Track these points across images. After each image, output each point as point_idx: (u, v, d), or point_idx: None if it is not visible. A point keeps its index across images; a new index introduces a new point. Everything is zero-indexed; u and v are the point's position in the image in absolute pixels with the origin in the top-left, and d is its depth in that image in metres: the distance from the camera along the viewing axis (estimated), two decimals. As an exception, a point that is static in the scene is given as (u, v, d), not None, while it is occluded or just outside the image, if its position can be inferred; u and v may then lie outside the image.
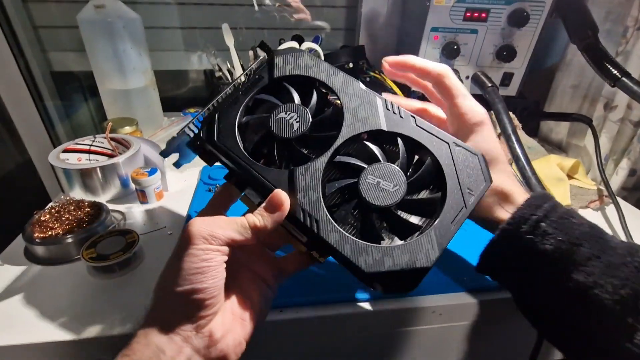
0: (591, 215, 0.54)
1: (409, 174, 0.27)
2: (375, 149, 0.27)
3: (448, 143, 0.27)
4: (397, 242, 0.26)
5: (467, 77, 0.64)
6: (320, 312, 0.34)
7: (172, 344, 0.23)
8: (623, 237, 0.48)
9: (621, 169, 0.59)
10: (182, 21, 0.85)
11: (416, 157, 0.29)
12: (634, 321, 0.23)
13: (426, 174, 0.27)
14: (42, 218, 0.40)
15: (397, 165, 0.26)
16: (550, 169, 0.57)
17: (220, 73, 0.69)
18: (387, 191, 0.25)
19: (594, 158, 0.63)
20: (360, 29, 0.87)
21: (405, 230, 0.27)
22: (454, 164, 0.27)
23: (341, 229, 0.25)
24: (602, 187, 0.57)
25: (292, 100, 0.29)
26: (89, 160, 0.56)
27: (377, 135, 0.28)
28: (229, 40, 0.64)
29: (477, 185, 0.26)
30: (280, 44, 0.64)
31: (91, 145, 0.56)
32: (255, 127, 0.30)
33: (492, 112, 0.62)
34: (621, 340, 0.23)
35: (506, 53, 0.61)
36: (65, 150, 0.53)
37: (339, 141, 0.27)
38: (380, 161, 0.27)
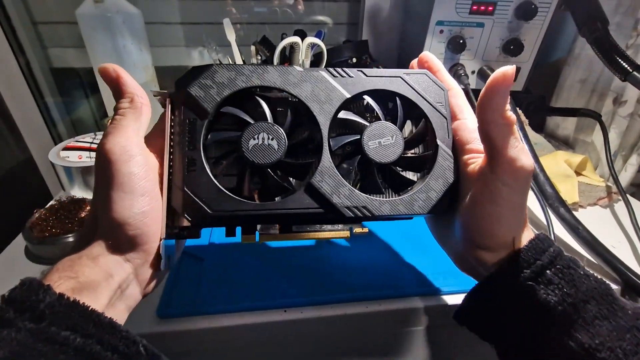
0: (599, 213, 0.53)
1: (398, 125, 0.28)
2: (355, 117, 0.28)
3: (400, 76, 0.28)
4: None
5: (473, 72, 0.63)
6: (324, 312, 0.34)
7: (122, 270, 0.23)
8: (633, 235, 0.47)
9: (630, 165, 0.58)
10: (182, 16, 0.84)
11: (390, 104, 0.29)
12: None
13: (403, 114, 0.28)
14: (42, 217, 0.40)
15: (383, 120, 0.27)
16: (558, 166, 0.56)
17: (222, 69, 0.68)
18: (387, 147, 0.27)
19: (602, 154, 0.62)
20: (364, 23, 0.85)
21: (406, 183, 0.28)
22: (415, 90, 0.28)
23: (388, 199, 0.26)
24: (611, 184, 0.56)
25: (247, 123, 0.25)
26: (90, 158, 0.55)
27: (346, 104, 0.27)
28: (230, 35, 0.63)
29: (440, 96, 0.28)
30: (282, 38, 0.62)
31: (92, 142, 0.55)
32: (231, 169, 0.27)
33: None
34: None
35: (513, 47, 0.59)
36: (66, 148, 0.52)
37: (324, 132, 0.26)
38: (367, 126, 0.27)
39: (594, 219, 0.49)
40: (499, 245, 0.25)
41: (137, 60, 0.64)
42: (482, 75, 0.61)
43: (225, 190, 0.24)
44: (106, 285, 0.22)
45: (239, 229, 0.27)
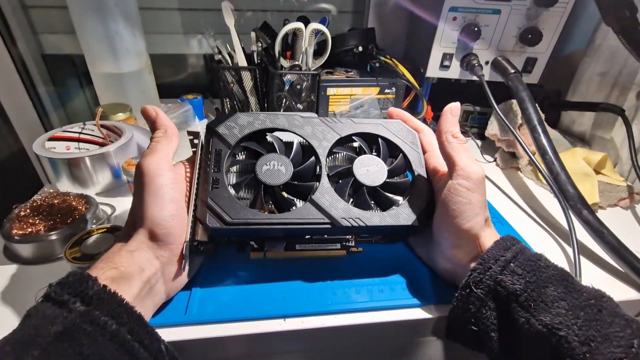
0: (620, 214, 0.50)
1: (381, 157, 0.35)
2: (346, 151, 0.35)
3: (380, 124, 0.36)
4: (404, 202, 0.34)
5: (487, 63, 0.59)
6: (326, 322, 0.31)
7: (152, 266, 0.27)
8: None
9: (653, 163, 0.55)
10: (180, 2, 0.80)
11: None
12: None
13: (387, 152, 0.35)
14: (22, 213, 0.37)
15: (370, 154, 0.35)
16: (577, 163, 0.53)
17: (220, 56, 0.64)
18: (374, 174, 0.33)
19: (622, 151, 0.58)
20: (370, 11, 0.81)
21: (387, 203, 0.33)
22: (394, 134, 0.36)
23: (377, 213, 0.31)
24: (632, 184, 0.53)
25: (261, 154, 0.32)
26: (79, 149, 0.52)
27: (338, 142, 0.34)
28: (229, 20, 0.60)
29: (413, 138, 0.36)
30: (284, 24, 0.59)
31: (80, 132, 0.52)
32: (248, 192, 0.32)
33: (513, 101, 0.58)
34: None
35: (531, 36, 0.56)
36: (52, 138, 0.49)
37: (323, 161, 0.32)
38: (360, 155, 0.34)
39: (615, 221, 0.46)
40: (466, 239, 0.30)
41: (130, 46, 0.60)
42: (497, 66, 0.57)
43: (241, 204, 0.29)
44: (139, 277, 0.26)
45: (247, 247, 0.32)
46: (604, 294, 0.27)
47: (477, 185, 0.30)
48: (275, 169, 0.31)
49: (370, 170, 0.33)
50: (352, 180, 0.33)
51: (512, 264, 0.28)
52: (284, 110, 0.64)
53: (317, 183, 0.32)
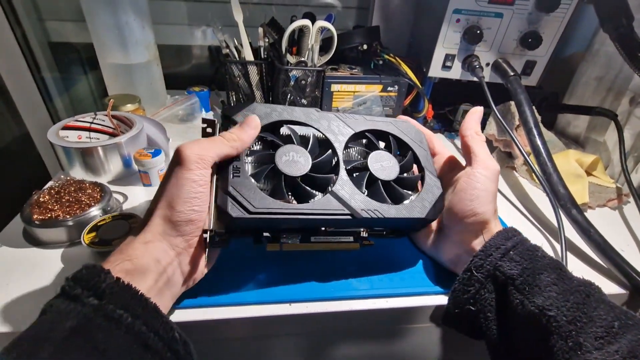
0: (608, 214, 0.52)
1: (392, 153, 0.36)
2: (360, 147, 0.37)
3: (391, 122, 0.38)
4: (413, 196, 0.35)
5: (488, 64, 0.61)
6: (329, 308, 0.33)
7: (167, 256, 0.27)
8: (643, 239, 0.46)
9: (641, 167, 0.57)
10: (187, -7, 0.81)
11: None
12: (584, 340, 0.26)
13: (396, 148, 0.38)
14: (42, 199, 0.39)
15: (383, 150, 0.36)
16: (569, 165, 0.55)
17: (227, 50, 0.65)
18: (388, 169, 0.35)
19: (614, 154, 0.61)
20: (374, 8, 0.82)
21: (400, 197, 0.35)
22: (404, 133, 0.38)
23: (393, 206, 0.33)
24: (621, 186, 0.55)
25: (279, 145, 0.32)
26: (90, 138, 0.53)
27: (352, 137, 0.35)
28: (238, 15, 0.61)
29: (421, 137, 0.39)
30: (292, 21, 0.60)
31: (92, 122, 0.53)
32: (267, 183, 0.32)
33: (511, 102, 0.60)
34: (573, 356, 0.26)
35: (531, 40, 0.57)
36: (65, 127, 0.50)
37: (340, 154, 0.33)
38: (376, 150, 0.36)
39: (603, 221, 0.49)
40: (478, 223, 0.33)
41: (139, 37, 0.61)
42: (497, 68, 0.59)
43: (262, 192, 0.29)
44: (154, 268, 0.26)
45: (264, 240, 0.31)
46: (592, 283, 0.30)
47: (494, 176, 0.34)
48: (295, 160, 0.31)
49: (384, 165, 0.35)
50: (368, 175, 0.34)
51: (511, 252, 0.31)
52: (288, 104, 0.66)
53: (335, 176, 0.32)
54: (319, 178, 0.32)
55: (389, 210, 0.32)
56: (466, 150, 0.36)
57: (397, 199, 0.34)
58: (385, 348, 0.39)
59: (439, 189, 0.35)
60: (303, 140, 0.34)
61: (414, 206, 0.33)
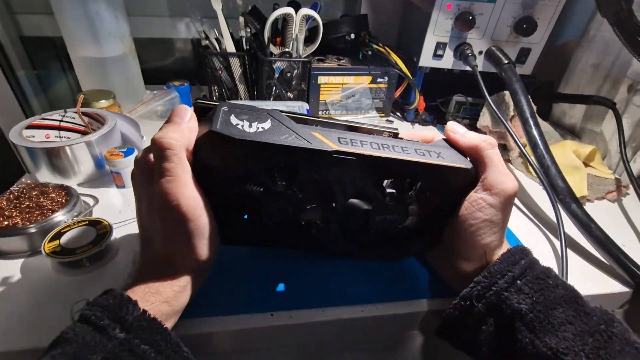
0: (607, 207, 0.50)
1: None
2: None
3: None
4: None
5: (481, 53, 0.58)
6: (314, 317, 0.31)
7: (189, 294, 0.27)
8: (645, 232, 0.44)
9: (640, 157, 0.55)
10: (166, -17, 0.77)
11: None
12: None
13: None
14: (-1, 205, 0.35)
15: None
16: (566, 156, 0.53)
17: (207, 42, 0.62)
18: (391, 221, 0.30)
19: (611, 145, 0.59)
20: (363, -4, 0.79)
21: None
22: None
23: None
24: (620, 177, 0.53)
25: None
26: (59, 137, 0.50)
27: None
28: (216, 4, 0.57)
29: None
30: (274, 9, 0.57)
31: (61, 120, 0.50)
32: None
33: (506, 92, 0.57)
34: None
35: (526, 26, 0.55)
36: (30, 126, 0.47)
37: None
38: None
39: (602, 214, 0.47)
40: (478, 256, 0.29)
41: (112, 28, 0.58)
42: (491, 56, 0.57)
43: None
44: (181, 309, 0.26)
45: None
46: (614, 318, 0.26)
47: (503, 203, 0.27)
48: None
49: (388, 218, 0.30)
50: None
51: (519, 281, 0.26)
52: (273, 99, 0.62)
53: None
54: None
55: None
56: (474, 164, 0.29)
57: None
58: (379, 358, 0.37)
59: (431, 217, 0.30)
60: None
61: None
